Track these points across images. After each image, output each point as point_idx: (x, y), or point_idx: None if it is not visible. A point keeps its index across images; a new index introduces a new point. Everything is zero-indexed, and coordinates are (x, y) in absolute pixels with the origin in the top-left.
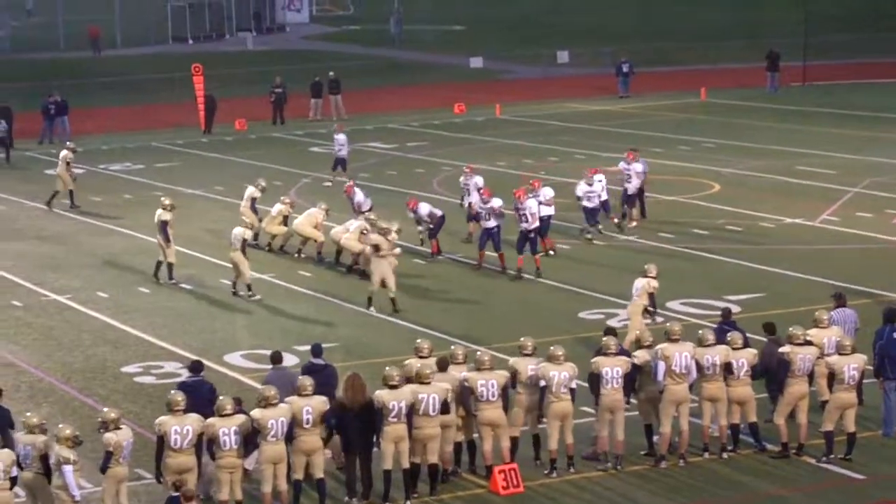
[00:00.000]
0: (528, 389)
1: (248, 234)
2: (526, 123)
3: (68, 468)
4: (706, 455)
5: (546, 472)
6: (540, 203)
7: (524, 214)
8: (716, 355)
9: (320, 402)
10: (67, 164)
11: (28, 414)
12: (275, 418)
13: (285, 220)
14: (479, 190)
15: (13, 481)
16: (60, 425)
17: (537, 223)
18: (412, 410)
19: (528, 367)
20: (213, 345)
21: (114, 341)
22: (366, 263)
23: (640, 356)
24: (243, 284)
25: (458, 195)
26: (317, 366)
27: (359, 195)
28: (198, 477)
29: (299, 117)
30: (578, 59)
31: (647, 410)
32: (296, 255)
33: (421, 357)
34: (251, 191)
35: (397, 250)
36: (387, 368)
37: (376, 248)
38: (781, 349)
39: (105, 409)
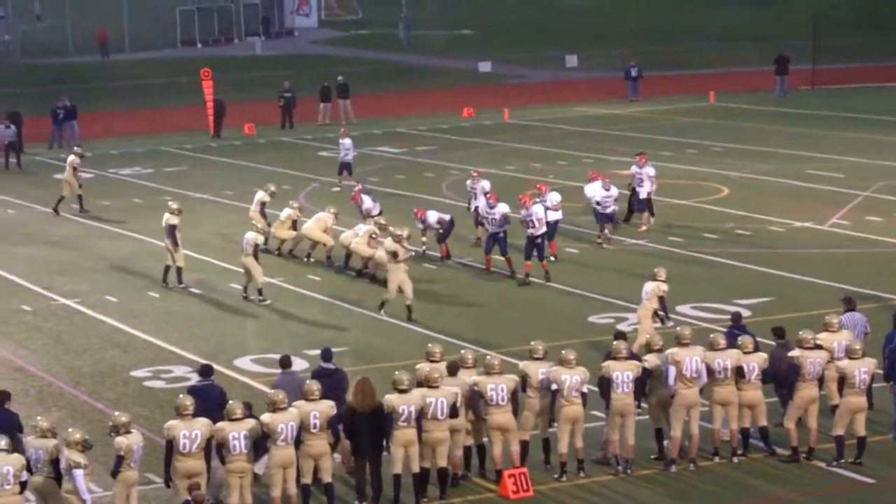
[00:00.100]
0: (538, 393)
1: (261, 240)
2: (534, 127)
3: (79, 472)
4: (716, 459)
5: (556, 475)
6: (547, 209)
7: (530, 220)
8: (727, 359)
9: (328, 407)
10: (74, 168)
11: (38, 418)
12: (284, 423)
13: (294, 225)
14: (485, 194)
15: (23, 486)
16: (70, 429)
17: (544, 228)
18: (421, 414)
19: (538, 370)
20: (223, 349)
21: (123, 345)
22: (375, 268)
23: (651, 360)
24: (255, 289)
25: (467, 199)
26: (327, 370)
27: (367, 202)
28: (207, 481)
29: (308, 122)
30: (587, 63)
31: (657, 414)
32: (305, 259)
33: (433, 361)
34: (261, 195)
35: (411, 254)
36: (396, 372)
37: (394, 255)
38: (791, 353)
39: (116, 413)
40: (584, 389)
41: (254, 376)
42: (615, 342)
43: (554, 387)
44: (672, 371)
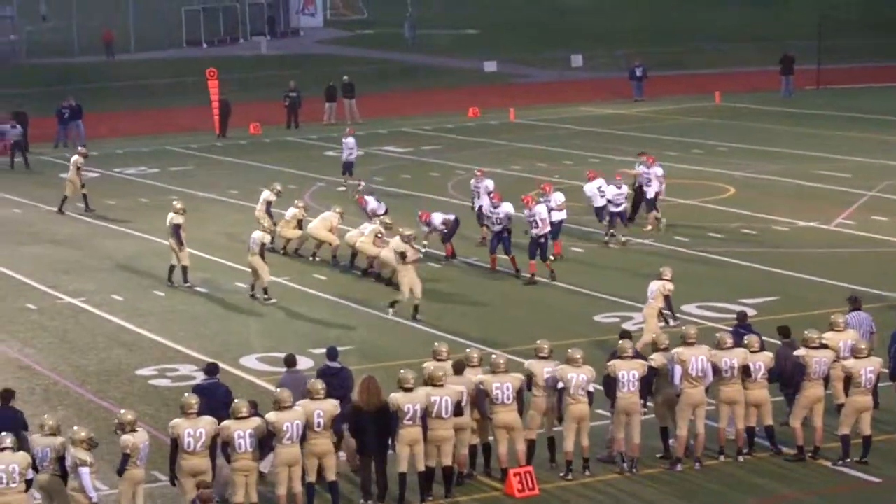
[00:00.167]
0: (543, 392)
1: (267, 239)
2: (540, 127)
3: (85, 470)
4: (722, 458)
5: (561, 474)
6: (551, 209)
7: (533, 220)
8: (734, 358)
9: (332, 406)
10: (78, 168)
11: (45, 416)
12: (290, 421)
13: (300, 224)
14: (489, 194)
15: (29, 484)
16: (75, 427)
17: (548, 228)
18: (426, 413)
19: (543, 369)
20: (229, 348)
21: (129, 344)
22: (380, 267)
23: (658, 359)
24: (261, 288)
25: (471, 198)
26: (332, 369)
27: (371, 203)
28: (212, 479)
29: (313, 121)
30: (592, 63)
31: (663, 413)
32: (310, 258)
33: (440, 360)
34: (266, 195)
35: (420, 255)
36: (402, 371)
37: (402, 255)
38: (797, 353)
39: (122, 411)
40: (591, 388)
41: (259, 375)
42: (621, 341)
43: (560, 385)
44: (678, 370)
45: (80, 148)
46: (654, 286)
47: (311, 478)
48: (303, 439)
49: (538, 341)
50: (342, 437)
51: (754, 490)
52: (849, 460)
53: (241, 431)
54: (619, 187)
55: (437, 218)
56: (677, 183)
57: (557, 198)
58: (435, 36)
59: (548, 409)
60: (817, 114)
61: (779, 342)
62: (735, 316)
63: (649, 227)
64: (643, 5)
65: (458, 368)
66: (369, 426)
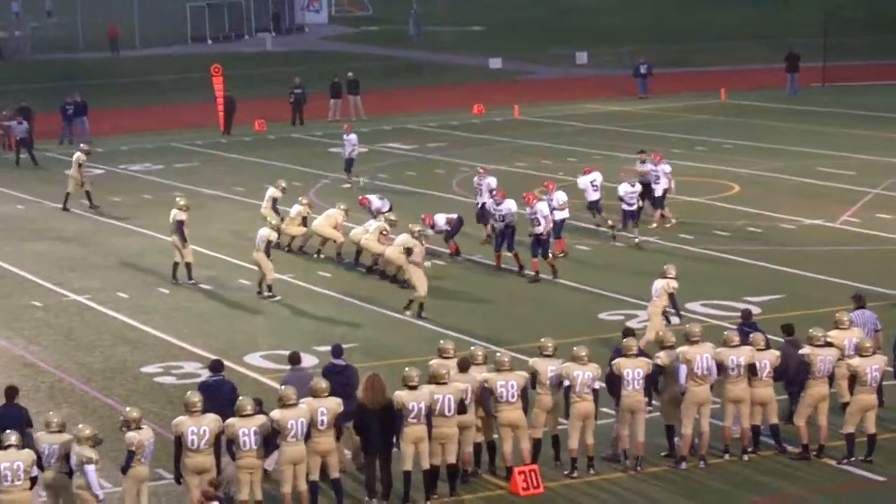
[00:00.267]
0: (548, 390)
1: (274, 236)
2: (545, 124)
3: (91, 468)
4: (726, 456)
5: (566, 472)
6: (553, 209)
7: (535, 218)
8: (740, 356)
9: (335, 404)
10: (80, 165)
11: (50, 413)
12: (294, 419)
13: (304, 221)
14: (491, 191)
15: (33, 481)
16: (80, 425)
17: (550, 225)
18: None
19: (548, 367)
20: (233, 345)
21: (133, 341)
22: (385, 264)
23: (664, 357)
24: (265, 285)
25: (474, 196)
26: (337, 367)
27: (375, 202)
28: (217, 477)
29: (318, 118)
30: (597, 60)
31: (669, 411)
32: (315, 255)
33: (446, 358)
34: (272, 192)
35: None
36: (406, 369)
37: (409, 251)
38: (802, 351)
39: (127, 409)
40: (596, 386)
41: (264, 372)
42: (625, 339)
43: (566, 383)
44: (683, 370)
45: (82, 145)
46: (659, 284)
47: (315, 476)
48: (307, 437)
49: (542, 339)
50: (342, 433)
51: (759, 488)
52: (853, 459)
53: (246, 429)
54: (633, 185)
55: (441, 219)
56: (682, 180)
57: (560, 197)
58: (440, 33)
59: (552, 407)
60: (822, 111)
61: (782, 340)
62: (740, 314)
63: (654, 225)
64: (648, 3)
65: (463, 366)
66: (374, 424)
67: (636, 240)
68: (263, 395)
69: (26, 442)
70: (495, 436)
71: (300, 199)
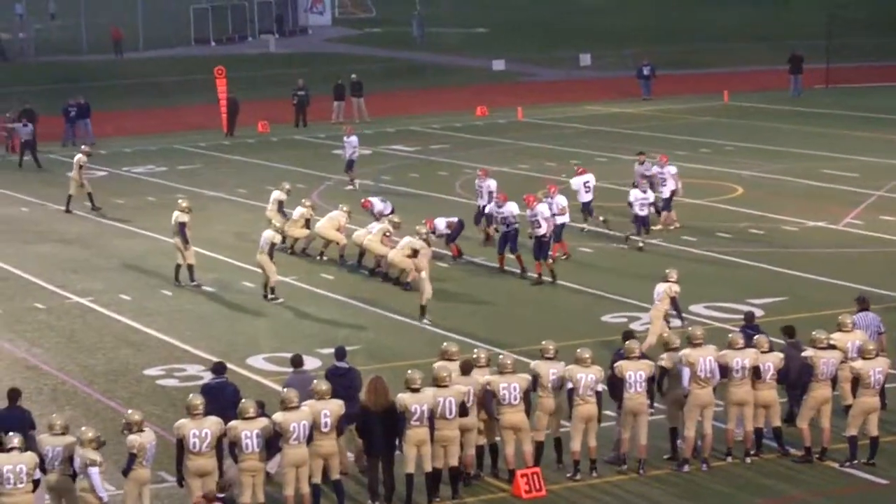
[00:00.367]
0: (549, 393)
1: (278, 238)
2: (548, 126)
3: (95, 470)
4: (729, 459)
5: (569, 475)
6: (554, 215)
7: (535, 220)
8: (745, 358)
9: (338, 406)
10: (80, 167)
11: (53, 416)
12: (297, 421)
13: (307, 223)
14: (490, 193)
15: (36, 484)
16: (83, 428)
17: (551, 227)
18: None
19: (549, 370)
20: (236, 347)
21: (136, 344)
22: (387, 267)
23: (667, 359)
24: (268, 287)
25: (476, 198)
26: (340, 369)
27: (377, 204)
28: (218, 479)
29: (322, 120)
30: (600, 62)
31: (674, 414)
32: (318, 257)
33: (449, 360)
34: (277, 194)
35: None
36: (409, 371)
37: (415, 252)
38: (805, 353)
39: (129, 412)
40: (599, 388)
41: (266, 375)
42: (627, 342)
43: (569, 385)
44: (686, 373)
45: (83, 146)
46: (661, 288)
47: (317, 478)
48: (309, 439)
49: (544, 342)
50: (342, 433)
51: (762, 491)
52: (856, 461)
53: (249, 432)
54: (644, 192)
55: (441, 223)
56: (685, 182)
57: (560, 201)
58: (443, 34)
59: (554, 410)
60: (826, 113)
61: (783, 342)
62: (742, 316)
63: (659, 227)
64: (651, 4)
65: (466, 369)
66: (376, 426)
67: (640, 243)
68: (266, 397)
69: (29, 444)
70: (497, 438)
71: (303, 201)
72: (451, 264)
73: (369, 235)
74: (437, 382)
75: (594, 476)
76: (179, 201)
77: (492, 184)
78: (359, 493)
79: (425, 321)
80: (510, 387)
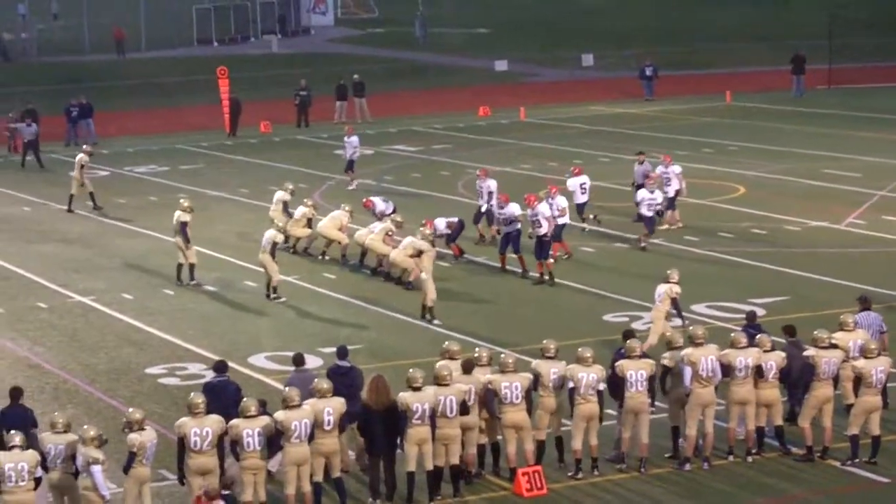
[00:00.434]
0: (551, 392)
1: (280, 238)
2: (550, 126)
3: (97, 468)
4: (731, 458)
5: (570, 473)
6: (555, 217)
7: (536, 219)
8: (748, 357)
9: (340, 404)
10: (82, 166)
11: (55, 414)
12: (298, 420)
13: (309, 223)
14: (489, 193)
15: (38, 482)
16: (85, 426)
17: (552, 227)
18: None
19: (550, 369)
20: (238, 346)
21: (138, 343)
22: (389, 266)
23: (670, 358)
24: (270, 286)
25: (477, 198)
26: (342, 368)
27: (379, 205)
28: (220, 478)
29: (324, 120)
30: (603, 63)
31: (676, 412)
32: (320, 257)
33: (452, 359)
34: (281, 195)
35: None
36: (410, 370)
37: (419, 252)
38: (806, 352)
39: (130, 410)
40: (601, 387)
41: (268, 374)
42: (629, 341)
43: (571, 385)
44: (688, 372)
45: (85, 146)
46: (662, 289)
47: (319, 477)
48: (311, 438)
49: (544, 341)
50: (343, 430)
51: (763, 490)
52: (858, 460)
53: (250, 430)
54: (651, 192)
55: (441, 223)
56: (688, 182)
57: (560, 202)
58: (446, 35)
59: (555, 409)
60: (828, 113)
61: (783, 341)
62: (744, 316)
63: (665, 226)
64: (654, 5)
65: (467, 367)
66: (378, 425)
67: (642, 243)
68: (268, 396)
69: (31, 443)
70: (499, 437)
71: (305, 200)
72: (452, 264)
73: (371, 235)
74: (438, 381)
75: (595, 474)
76: (181, 201)
77: (492, 184)
78: (360, 491)
79: (435, 322)
80: (512, 386)
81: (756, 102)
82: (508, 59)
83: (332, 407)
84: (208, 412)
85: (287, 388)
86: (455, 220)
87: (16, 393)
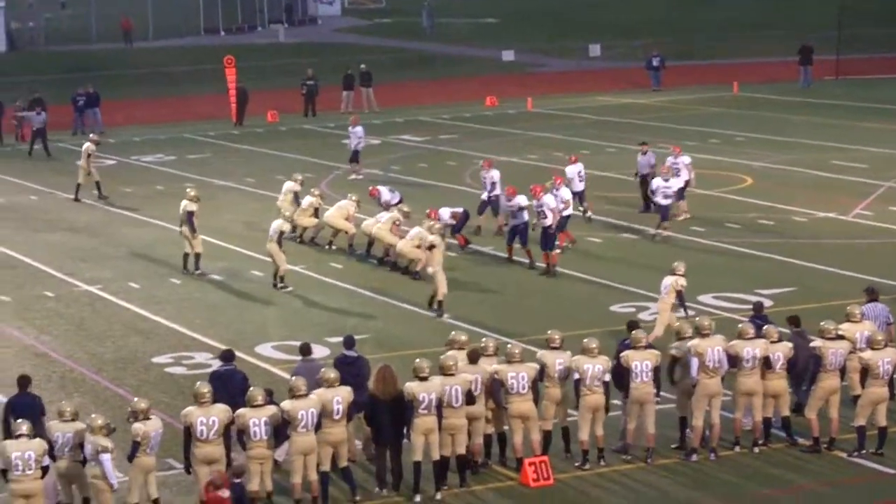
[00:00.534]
0: (556, 383)
1: (287, 227)
2: (557, 117)
3: (106, 457)
4: (737, 448)
5: (577, 464)
6: (559, 209)
7: (542, 210)
8: (756, 348)
9: (347, 393)
10: (88, 155)
11: (62, 402)
12: (305, 409)
13: (316, 212)
14: (493, 184)
15: (45, 470)
16: (93, 415)
17: (558, 218)
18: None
19: (556, 360)
20: (244, 336)
21: (145, 332)
22: (396, 256)
23: (678, 348)
24: (278, 276)
25: (482, 189)
26: (349, 358)
27: (384, 194)
28: (226, 467)
29: (330, 110)
30: (610, 53)
31: (683, 403)
32: (327, 246)
33: (459, 349)
34: (290, 185)
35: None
36: (417, 360)
37: (431, 246)
38: (813, 343)
39: (135, 399)
40: (607, 378)
41: (275, 363)
42: (634, 332)
43: (576, 376)
44: (695, 363)
45: (92, 135)
46: (668, 281)
47: (326, 466)
48: (317, 427)
49: (549, 331)
50: (350, 419)
51: (770, 481)
52: (864, 452)
53: (257, 419)
54: (666, 180)
55: (445, 213)
56: (695, 173)
57: (564, 194)
58: (453, 25)
59: (561, 400)
60: (836, 104)
61: (789, 332)
62: (751, 306)
63: (680, 217)
64: None
65: (473, 358)
66: (385, 415)
67: (652, 232)
68: (274, 385)
69: (39, 431)
70: (505, 427)
71: (312, 190)
72: (458, 254)
73: (378, 224)
74: (444, 371)
75: (602, 465)
76: (188, 190)
77: (495, 174)
78: (366, 480)
79: (446, 316)
80: (518, 376)
81: (763, 93)
82: (516, 49)
83: (341, 396)
84: (215, 401)
85: (294, 378)
86: (460, 210)
87: (24, 381)
